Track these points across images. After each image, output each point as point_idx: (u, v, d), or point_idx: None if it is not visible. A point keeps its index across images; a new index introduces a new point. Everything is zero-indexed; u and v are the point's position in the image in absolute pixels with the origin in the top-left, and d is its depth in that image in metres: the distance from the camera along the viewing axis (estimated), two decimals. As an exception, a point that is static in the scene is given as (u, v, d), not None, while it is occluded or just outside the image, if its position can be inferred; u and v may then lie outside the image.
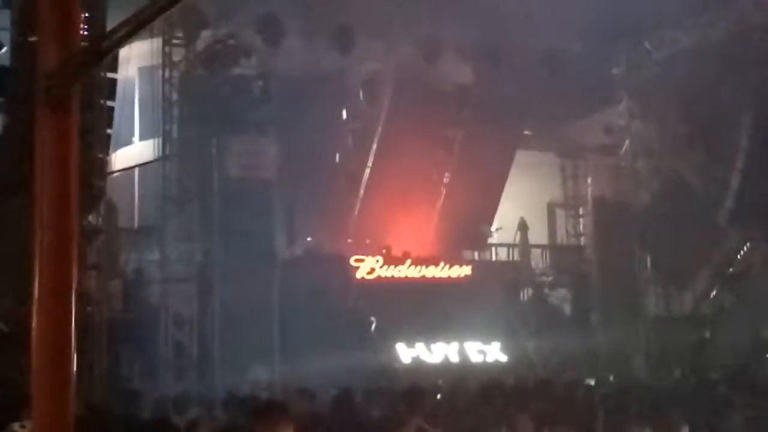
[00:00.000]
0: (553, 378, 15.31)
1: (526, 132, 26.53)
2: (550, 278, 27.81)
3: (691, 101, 23.68)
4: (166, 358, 19.55)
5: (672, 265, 24.37)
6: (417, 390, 8.83)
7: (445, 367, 22.05)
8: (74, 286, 2.82)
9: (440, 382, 15.23)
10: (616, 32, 22.91)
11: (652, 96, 24.68)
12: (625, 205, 25.31)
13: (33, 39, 13.40)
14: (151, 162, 21.30)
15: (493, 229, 26.12)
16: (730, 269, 24.53)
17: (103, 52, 3.03)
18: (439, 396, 11.54)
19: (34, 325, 2.73)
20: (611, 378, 18.34)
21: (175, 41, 20.76)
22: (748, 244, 24.45)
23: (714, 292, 24.68)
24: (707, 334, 23.44)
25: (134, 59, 20.17)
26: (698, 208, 23.73)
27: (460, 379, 15.61)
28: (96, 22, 14.51)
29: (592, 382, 15.11)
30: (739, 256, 24.59)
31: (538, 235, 28.22)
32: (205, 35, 21.29)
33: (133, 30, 2.89)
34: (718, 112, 23.19)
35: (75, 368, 2.83)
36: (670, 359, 22.66)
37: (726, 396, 8.97)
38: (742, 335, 21.98)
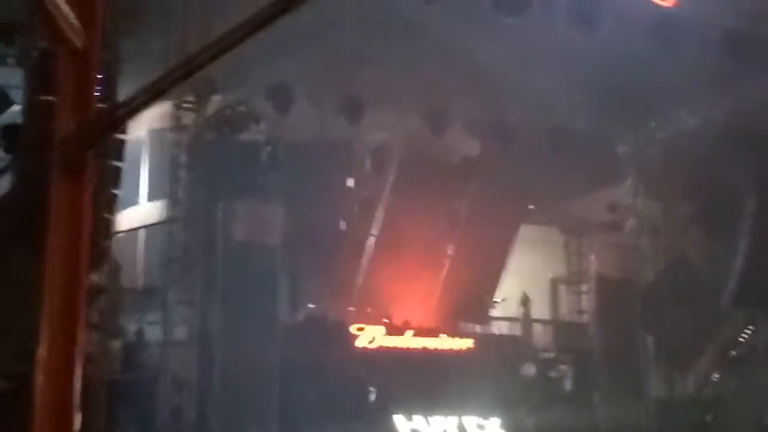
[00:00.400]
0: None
1: (530, 207, 26.62)
2: (552, 354, 27.67)
3: (695, 180, 23.81)
4: (165, 421, 19.37)
5: (675, 346, 24.26)
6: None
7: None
8: (79, 348, 2.85)
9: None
10: (622, 110, 23.13)
11: (657, 174, 24.81)
12: (628, 283, 25.27)
13: (46, 98, 13.58)
14: (157, 223, 21.37)
15: (497, 299, 26.12)
16: (733, 352, 24.40)
17: (119, 119, 3.09)
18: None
19: (37, 384, 2.75)
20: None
21: (185, 105, 20.97)
22: (751, 327, 24.35)
23: (717, 375, 24.52)
24: (709, 418, 23.22)
25: (145, 121, 20.40)
26: (702, 289, 23.69)
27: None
28: (109, 85, 14.69)
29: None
30: (742, 339, 24.48)
31: (540, 310, 28.15)
32: (216, 100, 21.52)
33: (149, 99, 2.96)
34: (722, 192, 23.30)
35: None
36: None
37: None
38: (745, 420, 21.79)
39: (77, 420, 2.73)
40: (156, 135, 23.33)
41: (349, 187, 25.06)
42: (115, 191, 17.71)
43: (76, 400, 2.74)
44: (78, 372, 2.78)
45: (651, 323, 24.51)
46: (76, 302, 2.89)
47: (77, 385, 2.75)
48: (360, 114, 22.41)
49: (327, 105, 22.57)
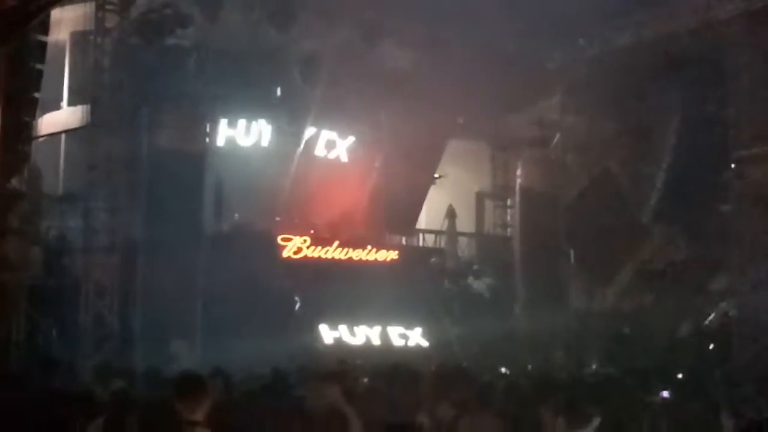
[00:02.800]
0: (473, 366, 15.44)
1: (459, 121, 26.66)
2: (476, 267, 28.07)
3: (621, 99, 24.03)
4: (86, 329, 19.24)
5: (595, 260, 24.75)
6: (340, 371, 8.84)
7: (367, 349, 22.14)
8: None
9: (360, 363, 15.23)
10: (552, 27, 23.11)
11: (584, 92, 24.98)
12: (552, 198, 25.60)
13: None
14: (78, 128, 20.90)
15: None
16: (652, 266, 24.98)
17: (31, 14, 2.95)
18: (363, 378, 11.55)
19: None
20: (530, 368, 18.57)
21: (108, 7, 20.31)
22: (670, 243, 24.92)
23: (635, 289, 25.12)
24: (626, 330, 23.86)
25: (66, 23, 19.75)
26: (624, 204, 24.12)
27: (381, 363, 15.66)
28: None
29: (506, 371, 15.30)
30: (660, 254, 25.05)
31: (465, 223, 28.47)
32: (141, 2, 20.95)
33: (64, -7, 2.81)
34: (648, 110, 23.58)
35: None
36: (589, 353, 23.03)
37: (640, 390, 9.15)
38: (661, 332, 22.43)
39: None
40: (78, 37, 22.63)
41: (278, 96, 24.78)
42: (36, 95, 17.26)
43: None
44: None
45: (573, 237, 24.94)
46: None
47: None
48: (291, 22, 22.06)
49: (257, 11, 22.14)
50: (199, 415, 6.22)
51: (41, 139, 20.26)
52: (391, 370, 10.95)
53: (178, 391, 6.52)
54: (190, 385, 6.52)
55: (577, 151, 25.85)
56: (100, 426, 5.45)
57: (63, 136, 22.72)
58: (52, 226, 21.54)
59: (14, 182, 16.97)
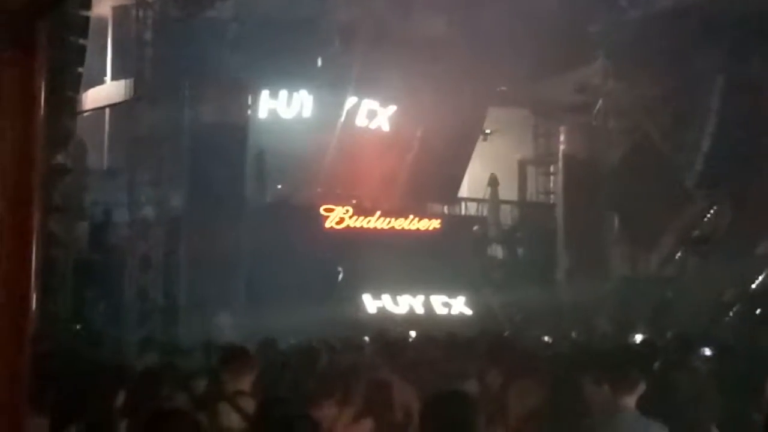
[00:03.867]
0: (516, 334, 15.45)
1: (501, 88, 26.47)
2: (518, 234, 27.97)
3: (664, 62, 23.70)
4: (131, 303, 19.47)
5: (639, 226, 24.54)
6: (386, 340, 8.88)
7: (410, 318, 22.19)
8: (36, 227, 2.80)
9: (412, 333, 15.25)
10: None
11: (626, 56, 24.67)
12: (595, 164, 25.39)
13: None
14: (122, 103, 21.06)
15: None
16: (696, 232, 24.73)
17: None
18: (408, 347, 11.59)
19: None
20: (573, 335, 18.49)
21: (149, -19, 20.44)
22: (714, 208, 24.63)
23: (679, 254, 24.89)
24: (670, 295, 23.67)
25: (108, -3, 19.90)
26: (667, 170, 23.86)
27: (427, 332, 15.70)
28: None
29: (549, 339, 15.28)
30: (705, 219, 24.78)
31: (508, 191, 28.33)
32: (181, -24, 21.01)
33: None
34: (691, 74, 23.24)
35: (34, 311, 2.81)
36: (633, 319, 22.89)
37: (684, 356, 9.09)
38: (705, 297, 22.22)
39: (33, 299, 2.70)
40: (120, 12, 22.78)
41: (318, 67, 24.77)
42: (79, 69, 17.39)
43: (32, 280, 2.70)
44: (34, 253, 2.73)
45: (616, 203, 24.74)
46: (30, 183, 2.82)
47: (33, 266, 2.71)
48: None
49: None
50: (245, 384, 6.29)
51: (85, 114, 20.45)
52: (443, 337, 10.99)
53: (222, 362, 6.61)
54: (235, 355, 6.60)
55: (619, 116, 25.56)
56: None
57: (107, 110, 22.91)
58: (97, 201, 21.78)
59: (59, 158, 17.16)
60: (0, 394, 2.67)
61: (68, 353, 8.78)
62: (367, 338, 13.23)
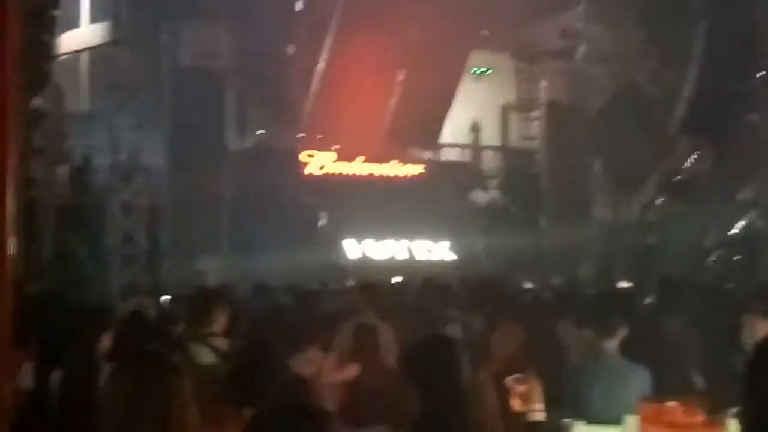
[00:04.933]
0: (499, 280, 15.50)
1: (483, 32, 26.29)
2: (501, 180, 27.99)
3: (647, 6, 23.57)
4: (114, 247, 19.42)
5: (621, 171, 24.57)
6: (370, 285, 8.88)
7: (392, 264, 22.25)
8: (11, 170, 2.74)
9: (400, 278, 15.26)
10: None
11: (609, 0, 24.53)
12: (578, 109, 25.35)
13: None
14: (99, 46, 20.80)
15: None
16: (679, 177, 24.79)
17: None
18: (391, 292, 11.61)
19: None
20: (556, 280, 18.61)
21: None
22: (696, 153, 24.67)
23: (661, 200, 24.97)
24: (652, 240, 23.80)
25: (84, -61, 19.55)
26: (650, 115, 23.83)
27: (410, 277, 15.74)
28: None
29: (532, 285, 15.35)
30: (687, 165, 24.83)
31: (490, 136, 28.29)
32: None
33: None
34: (675, 18, 23.13)
35: (15, 255, 2.76)
36: (614, 264, 23.03)
37: (665, 300, 9.14)
38: (687, 242, 22.34)
39: (11, 243, 2.65)
40: (97, -46, 22.41)
41: (298, 11, 24.51)
42: (54, 12, 17.12)
43: (9, 224, 2.64)
44: (10, 196, 2.67)
45: (599, 149, 24.74)
46: (4, 126, 2.75)
47: (10, 210, 2.65)
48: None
49: None
50: (217, 326, 6.29)
51: (62, 58, 20.19)
52: (423, 282, 11.03)
53: (191, 305, 6.61)
54: (204, 297, 6.60)
55: (602, 61, 25.46)
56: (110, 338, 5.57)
57: (84, 54, 22.62)
58: (77, 145, 21.59)
59: (36, 101, 16.96)
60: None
61: (52, 297, 8.74)
62: (350, 283, 13.27)
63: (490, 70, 27.29)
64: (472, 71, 27.25)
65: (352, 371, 7.05)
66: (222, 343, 6.05)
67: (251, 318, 8.07)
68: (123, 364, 3.30)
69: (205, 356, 5.94)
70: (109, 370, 3.48)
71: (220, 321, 6.35)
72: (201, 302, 6.54)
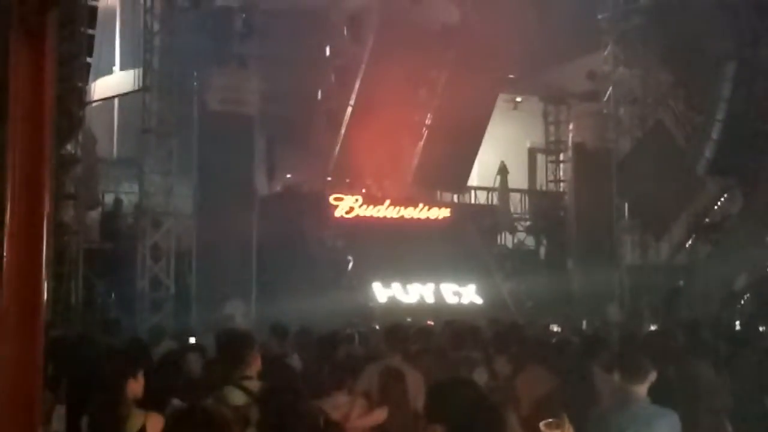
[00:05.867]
0: (527, 322, 15.44)
1: (510, 75, 26.41)
2: (528, 223, 27.95)
3: (675, 50, 23.62)
4: (143, 292, 19.52)
5: (649, 214, 24.49)
6: (397, 329, 8.87)
7: (420, 307, 22.18)
8: (47, 216, 2.80)
9: (431, 322, 15.20)
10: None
11: (636, 43, 24.60)
12: (606, 152, 25.33)
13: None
14: (131, 93, 21.08)
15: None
16: (707, 219, 24.67)
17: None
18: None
19: (4, 255, 2.71)
20: (584, 324, 18.50)
21: (157, -30, 20.41)
22: (725, 195, 24.57)
23: (690, 242, 24.84)
24: (681, 283, 23.64)
25: (116, -13, 19.90)
26: (678, 157, 23.79)
27: (438, 320, 15.68)
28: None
29: (558, 328, 15.26)
30: (716, 207, 24.72)
31: (517, 179, 28.30)
32: (188, -35, 20.99)
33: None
34: (702, 61, 23.15)
35: (45, 300, 2.81)
36: (643, 307, 22.87)
37: (694, 344, 9.08)
38: (716, 285, 22.17)
39: (44, 288, 2.70)
40: (128, 2, 22.79)
41: (326, 56, 24.74)
42: (88, 59, 17.43)
43: (44, 269, 2.70)
44: (45, 242, 2.73)
45: (627, 191, 24.69)
46: (41, 172, 2.82)
47: (44, 255, 2.71)
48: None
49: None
50: (252, 370, 6.29)
51: (95, 104, 20.48)
52: (444, 326, 10.99)
53: (225, 349, 6.62)
54: (237, 342, 6.61)
55: (630, 103, 25.49)
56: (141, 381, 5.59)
57: (116, 100, 22.93)
58: (108, 191, 21.81)
59: (69, 147, 17.21)
60: (15, 381, 2.68)
61: (81, 340, 8.80)
62: (377, 326, 13.25)
63: (520, 99, 27.56)
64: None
65: (380, 415, 7.04)
66: (255, 385, 6.05)
67: (279, 359, 8.08)
68: (176, 421, 3.33)
69: (238, 398, 5.95)
70: (160, 423, 3.52)
71: (255, 364, 6.36)
72: (236, 345, 6.55)
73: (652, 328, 16.60)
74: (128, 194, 21.45)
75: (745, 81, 22.48)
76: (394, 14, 23.84)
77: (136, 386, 5.35)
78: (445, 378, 5.29)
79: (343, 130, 24.48)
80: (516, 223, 27.79)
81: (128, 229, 20.82)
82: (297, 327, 10.79)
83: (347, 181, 24.54)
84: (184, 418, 3.33)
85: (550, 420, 4.43)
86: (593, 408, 6.28)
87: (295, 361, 8.97)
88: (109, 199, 21.74)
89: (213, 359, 7.40)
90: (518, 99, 27.67)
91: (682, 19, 22.81)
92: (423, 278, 23.14)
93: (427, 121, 25.46)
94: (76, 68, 16.64)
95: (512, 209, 28.06)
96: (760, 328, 14.60)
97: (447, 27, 24.70)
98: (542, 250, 27.54)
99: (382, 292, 22.79)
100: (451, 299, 23.47)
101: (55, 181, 15.12)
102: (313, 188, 24.17)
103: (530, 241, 27.86)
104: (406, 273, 22.84)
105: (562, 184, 28.39)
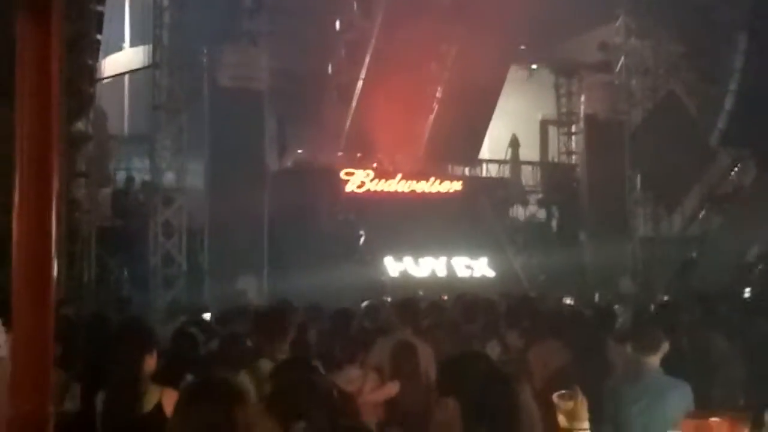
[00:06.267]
0: (540, 295, 15.43)
1: (521, 47, 26.27)
2: (540, 196, 27.89)
3: (687, 20, 23.45)
4: (155, 268, 19.59)
5: (662, 186, 24.41)
6: (409, 303, 8.86)
7: (432, 281, 22.21)
8: (56, 194, 2.79)
9: (445, 296, 15.19)
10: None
11: (648, 13, 24.43)
12: (618, 123, 25.22)
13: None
14: (141, 69, 21.06)
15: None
16: (720, 190, 24.59)
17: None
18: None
19: (13, 232, 2.71)
20: (596, 296, 18.49)
21: (166, -54, 20.32)
22: (738, 166, 24.47)
23: (702, 213, 24.77)
24: (694, 254, 23.60)
25: (125, -36, 19.84)
26: (690, 128, 23.68)
27: (450, 293, 15.67)
28: None
29: (571, 301, 15.24)
30: (728, 178, 24.63)
31: (529, 152, 28.22)
32: (198, -60, 20.88)
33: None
34: (714, 32, 23.00)
35: (58, 277, 2.81)
36: (656, 279, 22.85)
37: (706, 315, 9.06)
38: (729, 256, 22.14)
39: (54, 266, 2.70)
40: (137, -22, 22.73)
41: (336, 30, 24.65)
42: (98, 37, 17.41)
43: (54, 247, 2.70)
44: (54, 219, 2.74)
45: (639, 163, 24.60)
46: (49, 151, 2.81)
47: (54, 232, 2.71)
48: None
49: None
50: (284, 346, 6.25)
51: (105, 81, 20.48)
52: (455, 299, 10.99)
53: (268, 320, 6.57)
54: (274, 318, 6.58)
55: (641, 75, 25.35)
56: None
57: (126, 77, 22.91)
58: (119, 168, 21.84)
59: (80, 125, 17.23)
60: (27, 360, 2.69)
61: (94, 318, 8.83)
62: (387, 299, 13.26)
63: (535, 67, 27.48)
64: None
65: (392, 389, 7.06)
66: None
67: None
68: (191, 394, 3.33)
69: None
70: (176, 398, 3.51)
71: (290, 335, 6.36)
72: (277, 316, 6.52)
73: (665, 299, 16.58)
74: (139, 171, 21.47)
75: (757, 52, 22.34)
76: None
77: (151, 362, 5.37)
78: (457, 351, 5.29)
79: (353, 105, 24.41)
80: (528, 196, 27.72)
81: (140, 206, 20.86)
82: (307, 303, 10.79)
83: (358, 155, 24.51)
84: (199, 390, 3.33)
85: (563, 392, 4.43)
86: (606, 380, 6.28)
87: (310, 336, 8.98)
88: (120, 176, 21.77)
89: (233, 333, 7.37)
90: (534, 67, 27.50)
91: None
92: (435, 252, 23.15)
93: (438, 95, 25.36)
94: (86, 46, 16.61)
95: (524, 182, 28.01)
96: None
97: (457, 0, 24.55)
98: (554, 223, 27.48)
99: (394, 266, 22.82)
100: (462, 273, 23.48)
101: (67, 159, 15.15)
102: (324, 163, 24.16)
103: (542, 214, 27.79)
104: (417, 247, 22.85)
105: (573, 156, 28.28)
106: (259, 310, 7.39)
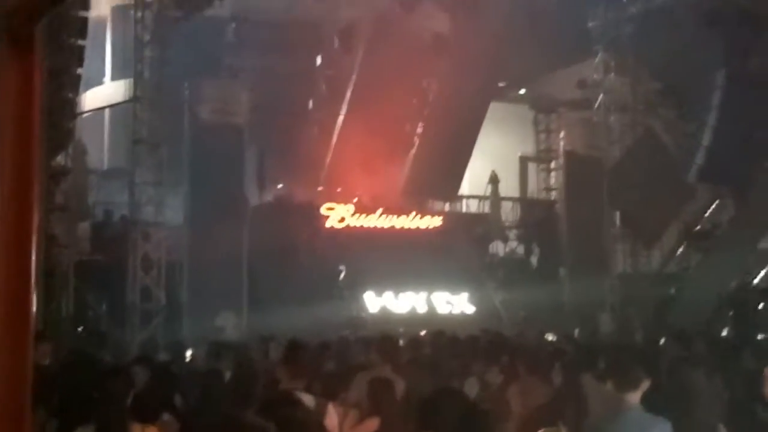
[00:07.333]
0: (519, 331, 15.43)
1: (500, 84, 26.45)
2: (520, 231, 27.96)
3: (665, 57, 23.67)
4: (134, 303, 19.43)
5: (640, 222, 24.49)
6: (388, 340, 8.83)
7: (412, 317, 22.17)
8: (36, 228, 2.77)
9: (424, 332, 15.16)
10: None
11: (626, 51, 24.64)
12: (597, 160, 25.34)
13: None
14: (121, 103, 21.04)
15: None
16: (698, 227, 24.71)
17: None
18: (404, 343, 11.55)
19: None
20: (576, 333, 18.48)
21: (148, -19, 20.38)
22: (716, 202, 24.62)
23: (681, 250, 24.86)
24: (672, 291, 23.66)
25: (106, -2, 19.87)
26: (668, 165, 23.82)
27: (430, 329, 15.63)
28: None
29: (552, 337, 15.23)
30: (707, 214, 24.76)
31: (509, 188, 28.34)
32: (179, -25, 20.95)
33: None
34: (692, 68, 23.21)
35: (36, 313, 2.79)
36: (635, 316, 22.87)
37: (687, 352, 9.08)
38: (707, 293, 22.20)
39: (33, 300, 2.67)
40: (119, 12, 22.79)
41: (317, 66, 24.77)
42: (79, 71, 17.40)
43: (33, 281, 2.67)
44: (34, 254, 2.71)
45: (618, 199, 24.68)
46: (30, 185, 2.79)
47: (33, 267, 2.69)
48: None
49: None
50: (302, 381, 6.17)
51: (85, 115, 20.44)
52: (433, 336, 10.97)
53: (285, 360, 6.49)
54: (296, 352, 6.52)
55: (620, 111, 25.51)
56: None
57: (107, 111, 22.89)
58: (98, 202, 21.75)
59: (60, 159, 17.17)
60: (3, 396, 2.66)
61: (74, 354, 8.75)
62: (366, 335, 13.21)
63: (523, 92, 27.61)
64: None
65: (371, 426, 7.01)
66: (308, 398, 5.94)
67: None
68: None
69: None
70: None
71: (305, 376, 6.30)
72: (293, 356, 6.46)
73: (643, 336, 16.60)
74: (119, 205, 21.37)
75: (733, 89, 22.55)
76: (385, 24, 23.88)
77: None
78: (435, 388, 5.27)
79: (334, 140, 24.50)
80: (507, 232, 27.80)
81: (119, 240, 20.73)
82: (286, 340, 10.73)
83: (338, 190, 24.55)
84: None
85: (547, 429, 4.43)
86: (586, 417, 6.26)
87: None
88: (99, 210, 21.67)
89: (242, 371, 7.26)
90: (521, 91, 27.67)
91: (672, 28, 22.88)
92: (415, 287, 23.14)
93: (419, 130, 25.49)
94: (67, 79, 16.61)
95: (504, 218, 28.11)
96: (752, 335, 14.62)
97: (438, 36, 24.72)
98: (534, 259, 27.55)
99: (374, 302, 22.78)
100: (442, 308, 23.46)
101: (46, 193, 15.08)
102: (304, 198, 24.16)
103: (522, 250, 27.86)
104: (398, 282, 22.83)
105: (553, 193, 28.41)
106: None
